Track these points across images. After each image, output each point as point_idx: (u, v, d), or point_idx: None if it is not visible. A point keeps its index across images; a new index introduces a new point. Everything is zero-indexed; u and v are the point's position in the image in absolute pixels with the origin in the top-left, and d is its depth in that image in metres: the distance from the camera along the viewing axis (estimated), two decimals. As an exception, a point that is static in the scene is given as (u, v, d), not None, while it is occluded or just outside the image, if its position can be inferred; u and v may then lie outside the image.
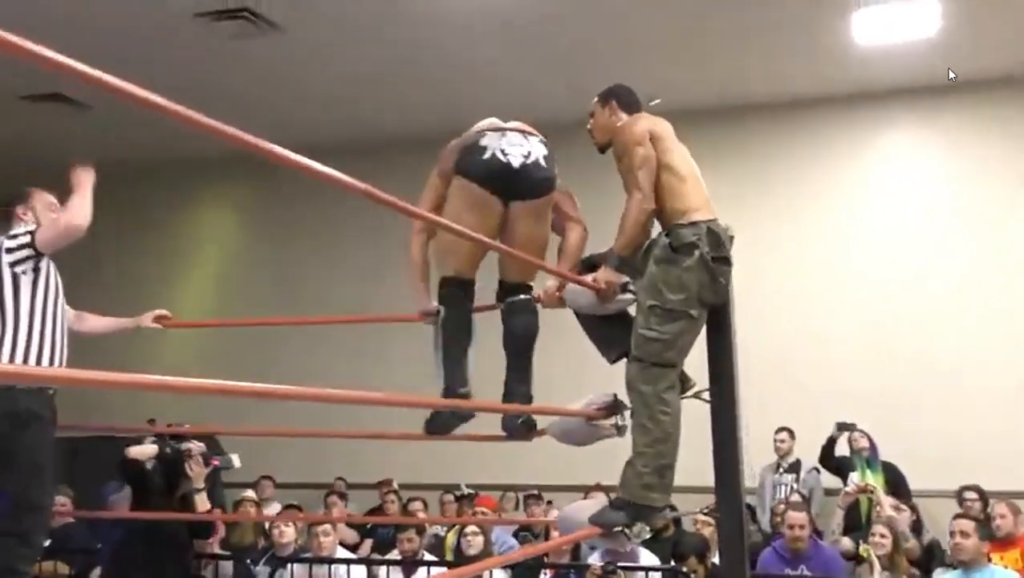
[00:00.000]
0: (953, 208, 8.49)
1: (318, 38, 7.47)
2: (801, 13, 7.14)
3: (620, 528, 3.17)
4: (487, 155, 3.33)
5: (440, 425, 3.50)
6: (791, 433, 7.98)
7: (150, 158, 10.29)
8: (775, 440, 7.90)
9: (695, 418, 3.64)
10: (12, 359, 3.84)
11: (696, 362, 3.57)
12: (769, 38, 7.57)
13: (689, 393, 3.49)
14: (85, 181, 4.11)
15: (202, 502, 5.48)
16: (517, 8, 6.96)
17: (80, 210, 3.99)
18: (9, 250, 3.98)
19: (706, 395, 3.51)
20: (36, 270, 4.01)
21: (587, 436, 3.25)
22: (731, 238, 3.46)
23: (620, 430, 3.26)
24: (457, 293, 3.42)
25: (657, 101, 8.36)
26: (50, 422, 3.84)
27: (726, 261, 3.33)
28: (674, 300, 3.20)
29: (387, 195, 1.93)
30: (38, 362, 3.89)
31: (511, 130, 3.44)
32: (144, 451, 5.21)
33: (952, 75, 6.88)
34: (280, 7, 6.94)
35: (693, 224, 3.28)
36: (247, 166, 10.02)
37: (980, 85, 8.32)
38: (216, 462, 5.49)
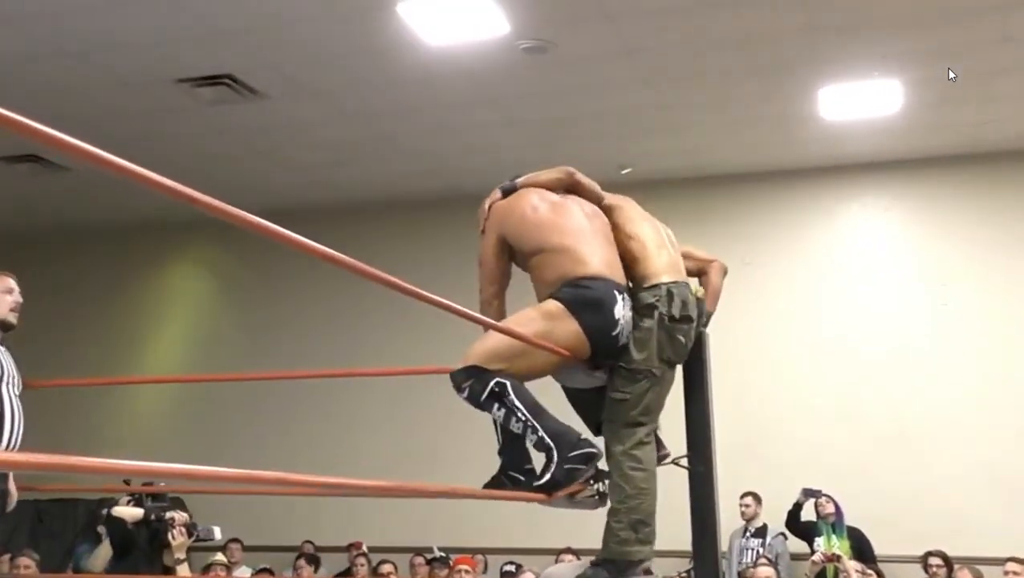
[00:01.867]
0: (918, 277, 8.70)
1: (299, 105, 7.59)
2: (770, 88, 7.37)
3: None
4: None
5: (564, 480, 3.06)
6: (757, 498, 8.07)
7: (128, 220, 10.33)
8: (740, 504, 7.98)
9: (673, 484, 3.73)
10: None
11: (675, 428, 3.68)
12: (739, 111, 7.80)
13: (666, 461, 3.58)
14: None
15: (183, 572, 5.48)
16: (500, 79, 7.14)
17: None
18: None
19: (684, 461, 3.60)
20: None
21: (568, 504, 3.30)
22: (698, 300, 3.57)
23: (601, 497, 3.32)
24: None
25: (628, 170, 8.59)
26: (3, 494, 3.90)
27: (687, 320, 3.43)
28: (637, 360, 3.31)
29: (351, 259, 1.99)
30: None
31: None
32: (130, 513, 5.21)
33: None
34: (262, 74, 7.07)
35: (654, 287, 3.41)
36: (221, 229, 10.09)
37: (941, 161, 8.61)
38: (199, 533, 5.50)
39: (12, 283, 4.41)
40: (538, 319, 3.18)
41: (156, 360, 10.39)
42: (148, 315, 10.71)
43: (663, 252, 3.55)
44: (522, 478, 3.23)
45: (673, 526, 3.76)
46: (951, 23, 6.38)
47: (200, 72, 7.01)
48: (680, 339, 3.42)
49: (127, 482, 5.80)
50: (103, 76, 7.08)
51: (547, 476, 3.02)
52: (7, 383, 4.16)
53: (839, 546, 7.37)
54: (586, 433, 3.19)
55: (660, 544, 3.45)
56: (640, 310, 3.37)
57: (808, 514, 7.82)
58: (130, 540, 5.13)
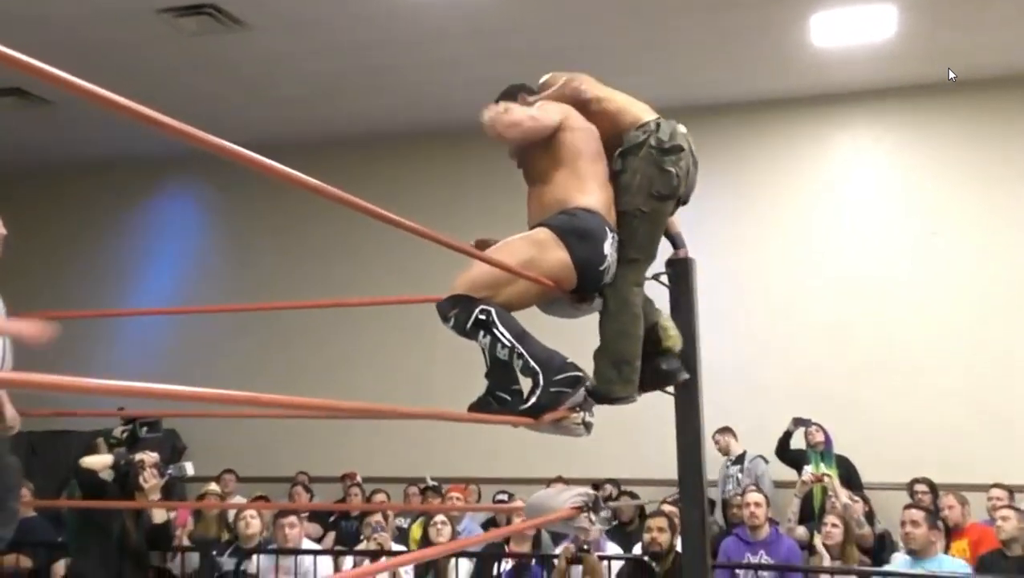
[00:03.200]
0: (908, 207, 8.69)
1: (283, 36, 7.48)
2: (760, 16, 7.28)
3: (585, 513, 3.25)
4: None
5: (550, 403, 3.02)
6: (728, 431, 8.08)
7: (109, 154, 10.25)
8: (714, 439, 7.97)
9: (659, 412, 3.75)
10: None
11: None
12: (729, 40, 7.71)
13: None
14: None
15: (158, 514, 5.52)
16: (484, 9, 7.04)
17: None
18: None
19: (670, 389, 3.60)
20: None
21: (554, 429, 3.29)
22: (685, 134, 3.54)
23: (587, 426, 3.30)
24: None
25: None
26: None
27: (676, 149, 3.43)
28: (622, 203, 3.34)
29: (338, 191, 1.96)
30: None
31: None
32: (99, 461, 5.22)
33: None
34: (246, 4, 6.96)
35: (642, 125, 3.40)
36: (207, 163, 10.03)
37: (934, 88, 8.53)
38: (170, 472, 5.52)
39: None
40: (525, 248, 3.16)
41: (145, 293, 10.37)
42: (135, 249, 10.67)
43: (641, 104, 3.53)
44: (508, 398, 3.23)
45: (657, 454, 3.79)
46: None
47: (182, 1, 6.89)
48: (670, 170, 3.41)
49: (121, 409, 5.81)
50: (84, 8, 6.96)
51: (532, 399, 3.02)
52: None
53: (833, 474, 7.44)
54: (572, 358, 3.19)
55: (647, 472, 3.48)
56: (628, 152, 3.37)
57: (797, 443, 7.89)
58: (101, 488, 5.15)
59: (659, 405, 3.66)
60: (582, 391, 3.10)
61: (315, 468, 9.15)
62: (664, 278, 3.69)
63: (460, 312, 3.11)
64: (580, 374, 3.06)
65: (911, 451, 7.95)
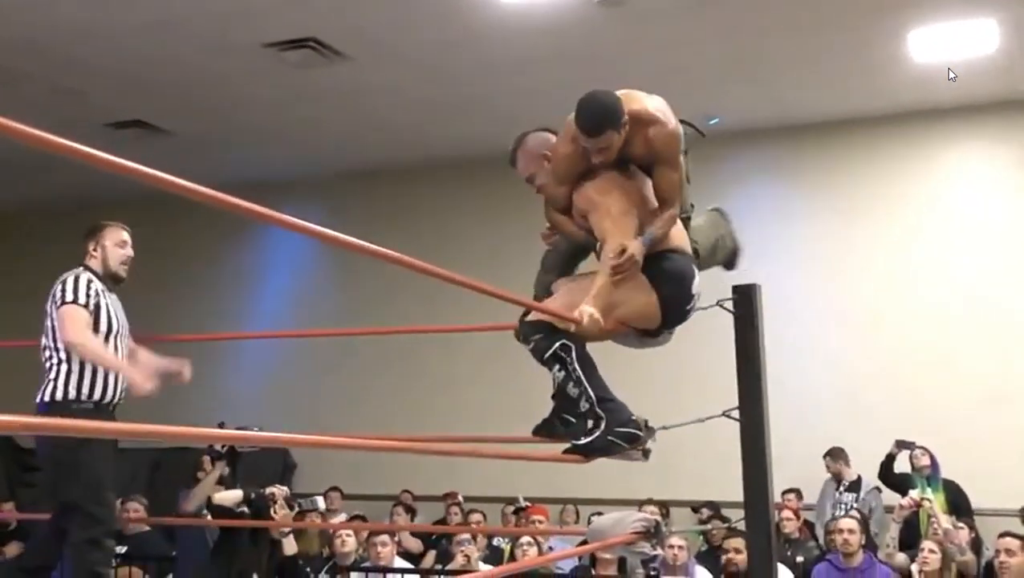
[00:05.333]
0: (1017, 226, 8.41)
1: (380, 66, 7.73)
2: (859, 32, 7.19)
3: (647, 538, 3.30)
4: None
5: (605, 448, 3.14)
6: (838, 454, 7.95)
7: (222, 182, 10.64)
8: (825, 463, 7.89)
9: (724, 435, 3.76)
10: (68, 382, 4.12)
11: (726, 378, 3.71)
12: (827, 57, 7.62)
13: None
14: (117, 362, 4.22)
15: (289, 545, 5.70)
16: (577, 35, 7.14)
17: (92, 346, 4.12)
18: (53, 297, 4.23)
19: (735, 413, 3.63)
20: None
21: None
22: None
23: (645, 454, 3.35)
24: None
25: (716, 120, 8.48)
26: (109, 438, 4.12)
27: None
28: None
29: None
30: (93, 384, 4.16)
31: None
32: (229, 497, 5.42)
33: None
34: (345, 37, 7.22)
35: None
36: (316, 188, 10.39)
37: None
38: (301, 505, 5.75)
39: (126, 236, 4.55)
40: (615, 288, 3.17)
41: (257, 316, 10.75)
42: (248, 273, 11.05)
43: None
44: (573, 421, 3.34)
45: (726, 477, 3.79)
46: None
47: (285, 36, 7.19)
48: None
49: (221, 425, 6.02)
50: (193, 45, 7.33)
51: (588, 440, 3.11)
52: (116, 334, 4.33)
53: (934, 500, 7.24)
54: (638, 414, 3.24)
55: (712, 494, 3.50)
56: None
57: (902, 466, 7.69)
58: (233, 528, 5.35)
59: (724, 429, 3.67)
60: (638, 452, 3.19)
61: (419, 487, 9.31)
62: (729, 304, 3.71)
63: (542, 340, 3.20)
64: (640, 434, 3.14)
65: (1022, 477, 7.66)
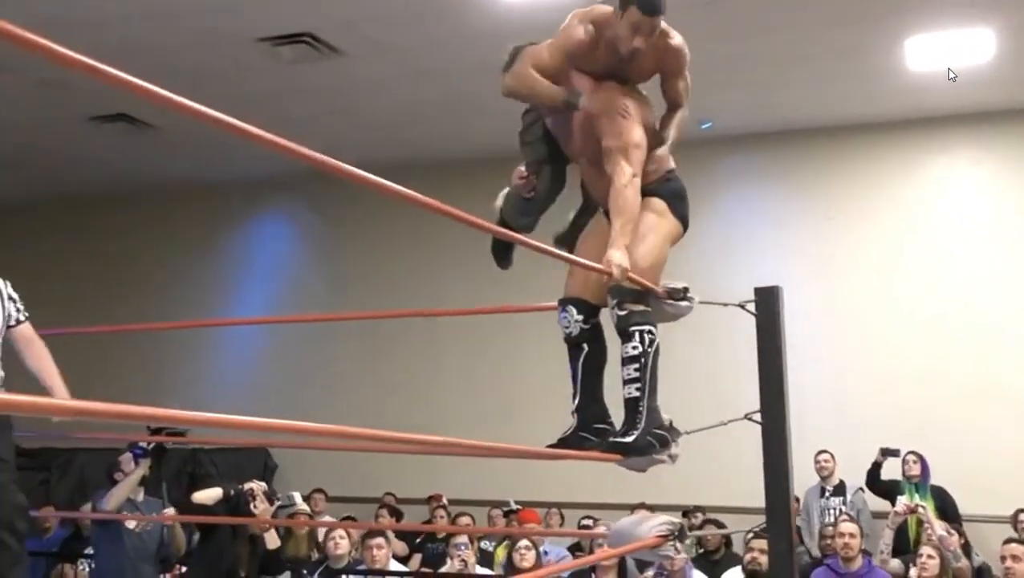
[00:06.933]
0: (1006, 233, 8.47)
1: (375, 62, 7.64)
2: (855, 39, 7.19)
3: (671, 541, 3.24)
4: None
5: (645, 447, 3.07)
6: (832, 455, 7.98)
7: (210, 178, 10.55)
8: (818, 461, 7.89)
9: (746, 439, 3.72)
10: None
11: (747, 382, 3.67)
12: (822, 63, 7.62)
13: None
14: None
15: (272, 539, 5.63)
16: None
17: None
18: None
19: (757, 417, 3.58)
20: None
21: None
22: None
23: (672, 458, 3.29)
24: None
25: (709, 124, 8.47)
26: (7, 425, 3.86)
27: None
28: None
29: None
30: None
31: None
32: (209, 495, 5.37)
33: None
34: (341, 33, 7.13)
35: None
36: (303, 185, 10.27)
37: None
38: (280, 502, 5.69)
39: None
40: (661, 222, 3.18)
41: (244, 311, 10.62)
42: (234, 269, 10.93)
43: None
44: (594, 439, 3.24)
45: (746, 482, 3.76)
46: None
47: (280, 30, 7.09)
48: None
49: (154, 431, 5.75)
50: (187, 37, 7.21)
51: (628, 439, 3.03)
52: None
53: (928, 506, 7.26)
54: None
55: (734, 500, 3.46)
56: None
57: (889, 473, 7.72)
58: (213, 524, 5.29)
59: (745, 433, 3.63)
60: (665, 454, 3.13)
61: (402, 489, 9.24)
62: (751, 306, 3.67)
63: (638, 315, 3.05)
64: (670, 438, 3.09)
65: (1012, 482, 7.70)
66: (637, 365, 3.03)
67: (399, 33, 7.17)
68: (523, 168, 3.54)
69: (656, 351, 3.04)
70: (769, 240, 8.62)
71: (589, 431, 3.28)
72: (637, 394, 3.03)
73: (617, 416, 3.28)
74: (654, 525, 3.38)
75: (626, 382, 3.06)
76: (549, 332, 3.66)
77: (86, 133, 9.12)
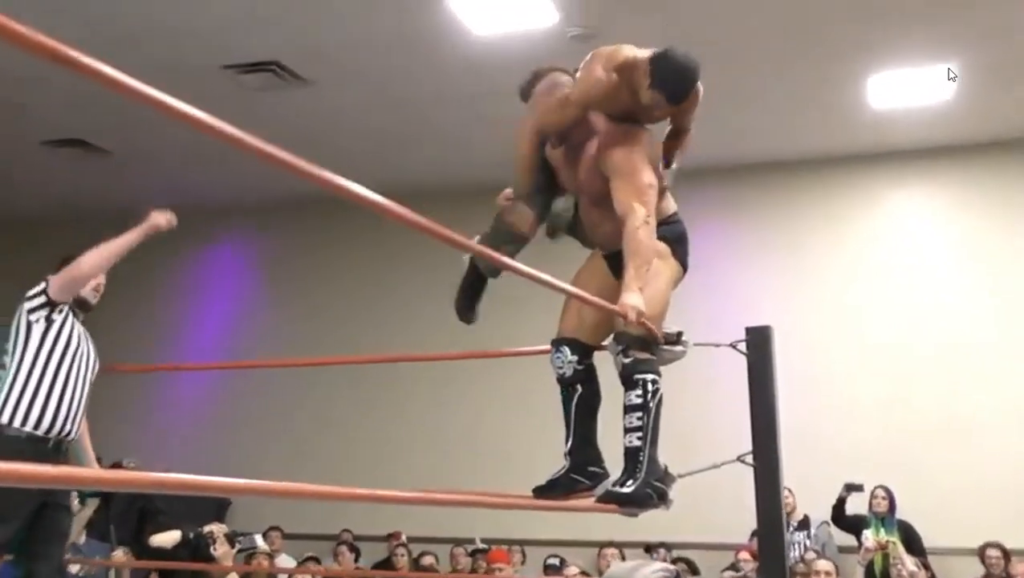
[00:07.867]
0: (960, 265, 8.58)
1: (342, 91, 7.56)
2: (817, 75, 7.27)
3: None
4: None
5: (644, 499, 3.01)
6: (790, 491, 7.95)
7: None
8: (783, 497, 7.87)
9: (714, 475, 3.64)
10: (6, 404, 3.86)
11: (738, 423, 3.63)
12: (784, 98, 7.69)
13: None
14: (124, 235, 4.16)
15: None
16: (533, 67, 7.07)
17: (88, 259, 4.03)
18: (28, 298, 4.04)
19: (749, 458, 3.55)
20: (49, 320, 4.02)
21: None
22: None
23: (667, 504, 3.22)
24: None
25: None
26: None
27: None
28: None
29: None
30: (29, 409, 3.88)
31: None
32: (167, 538, 5.25)
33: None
34: (308, 61, 7.04)
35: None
36: (257, 215, 10.12)
37: (991, 147, 8.47)
38: (240, 544, 5.57)
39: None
40: (665, 265, 3.17)
41: (195, 342, 10.37)
42: (185, 298, 10.66)
43: None
44: (586, 482, 3.19)
45: (716, 518, 3.71)
46: (1000, 7, 6.26)
47: (246, 58, 6.98)
48: None
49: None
50: (150, 63, 7.04)
51: (629, 489, 2.96)
52: (76, 360, 4.10)
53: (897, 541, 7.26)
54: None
55: (701, 535, 3.40)
56: None
57: (854, 507, 7.71)
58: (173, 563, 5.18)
59: (716, 470, 3.57)
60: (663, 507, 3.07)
61: (359, 526, 9.01)
62: (742, 346, 3.64)
63: (644, 363, 3.01)
64: (668, 492, 3.02)
65: (977, 515, 7.74)
66: (640, 414, 2.99)
67: (366, 63, 7.10)
68: (509, 190, 3.50)
69: (660, 401, 3.01)
70: (727, 274, 8.63)
71: (582, 474, 3.22)
72: (638, 444, 2.98)
73: (608, 452, 3.23)
74: (650, 572, 3.32)
75: (628, 430, 3.01)
76: (517, 368, 3.61)
77: (40, 158, 8.92)
